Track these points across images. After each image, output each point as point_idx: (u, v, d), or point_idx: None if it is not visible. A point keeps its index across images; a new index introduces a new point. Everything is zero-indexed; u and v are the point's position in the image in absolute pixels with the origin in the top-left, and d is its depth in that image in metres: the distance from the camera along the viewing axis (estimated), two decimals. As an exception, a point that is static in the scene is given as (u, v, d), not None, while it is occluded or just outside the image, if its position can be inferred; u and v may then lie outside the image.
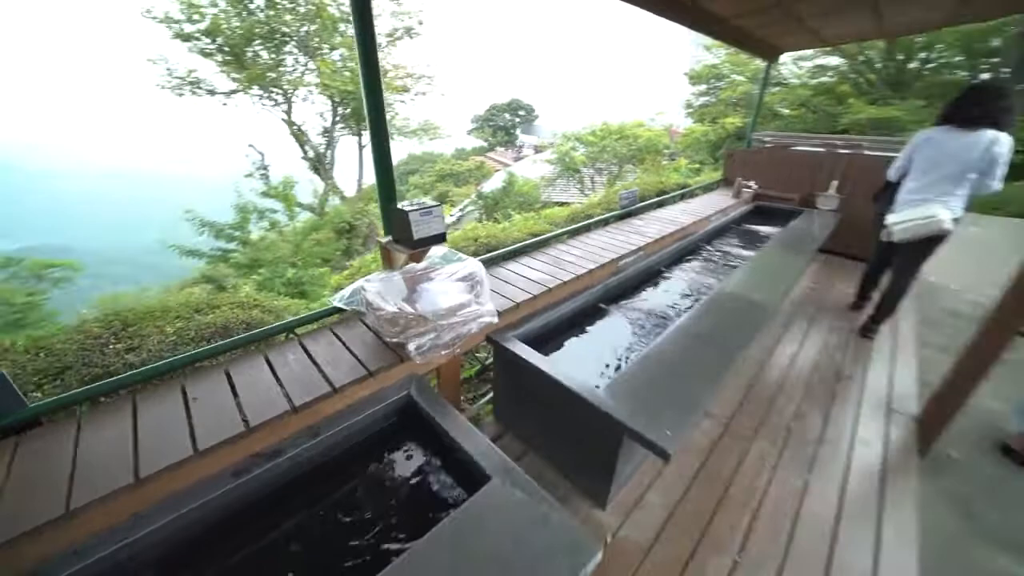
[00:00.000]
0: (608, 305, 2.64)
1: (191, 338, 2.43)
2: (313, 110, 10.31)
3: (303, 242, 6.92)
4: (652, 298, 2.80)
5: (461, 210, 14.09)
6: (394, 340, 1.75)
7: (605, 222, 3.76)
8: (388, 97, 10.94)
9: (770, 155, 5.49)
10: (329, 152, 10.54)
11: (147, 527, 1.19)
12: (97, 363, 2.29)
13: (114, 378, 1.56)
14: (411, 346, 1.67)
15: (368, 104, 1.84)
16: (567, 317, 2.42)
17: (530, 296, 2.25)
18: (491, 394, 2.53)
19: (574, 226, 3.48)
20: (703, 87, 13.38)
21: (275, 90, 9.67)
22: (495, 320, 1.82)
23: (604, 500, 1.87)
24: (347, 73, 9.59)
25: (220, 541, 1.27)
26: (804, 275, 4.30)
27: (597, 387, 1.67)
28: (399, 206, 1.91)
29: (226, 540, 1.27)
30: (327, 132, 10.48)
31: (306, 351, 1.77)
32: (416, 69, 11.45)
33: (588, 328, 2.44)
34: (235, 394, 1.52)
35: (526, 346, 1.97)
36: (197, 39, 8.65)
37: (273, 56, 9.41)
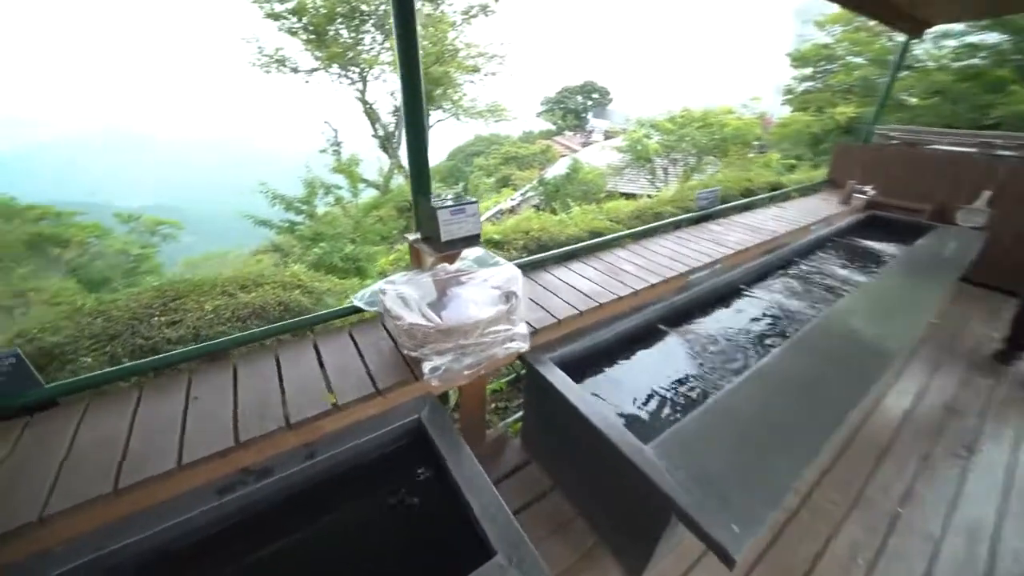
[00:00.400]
0: (670, 328, 2.23)
1: (227, 317, 2.40)
2: (385, 88, 10.52)
3: (364, 218, 7.07)
4: (727, 325, 2.34)
5: (522, 195, 13.79)
6: (411, 353, 1.53)
7: (676, 224, 3.26)
8: (457, 77, 10.82)
9: (896, 154, 4.50)
10: (397, 131, 10.72)
11: (122, 540, 1.09)
12: (142, 334, 2.32)
13: (122, 366, 1.51)
14: (426, 367, 1.44)
15: (404, 86, 1.59)
16: (617, 338, 2.06)
17: (575, 313, 1.92)
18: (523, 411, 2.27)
19: (640, 228, 3.04)
20: (808, 70, 11.59)
21: (352, 68, 9.94)
22: (525, 347, 1.53)
23: (639, 572, 1.54)
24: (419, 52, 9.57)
25: (197, 562, 1.15)
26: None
27: (644, 443, 1.32)
28: (431, 201, 1.66)
29: (204, 562, 1.15)
30: (397, 111, 10.63)
31: (318, 354, 1.62)
32: (489, 48, 11.18)
33: (642, 355, 2.06)
34: (235, 397, 1.40)
35: (563, 375, 1.66)
36: (285, 18, 9.07)
37: (352, 35, 9.64)
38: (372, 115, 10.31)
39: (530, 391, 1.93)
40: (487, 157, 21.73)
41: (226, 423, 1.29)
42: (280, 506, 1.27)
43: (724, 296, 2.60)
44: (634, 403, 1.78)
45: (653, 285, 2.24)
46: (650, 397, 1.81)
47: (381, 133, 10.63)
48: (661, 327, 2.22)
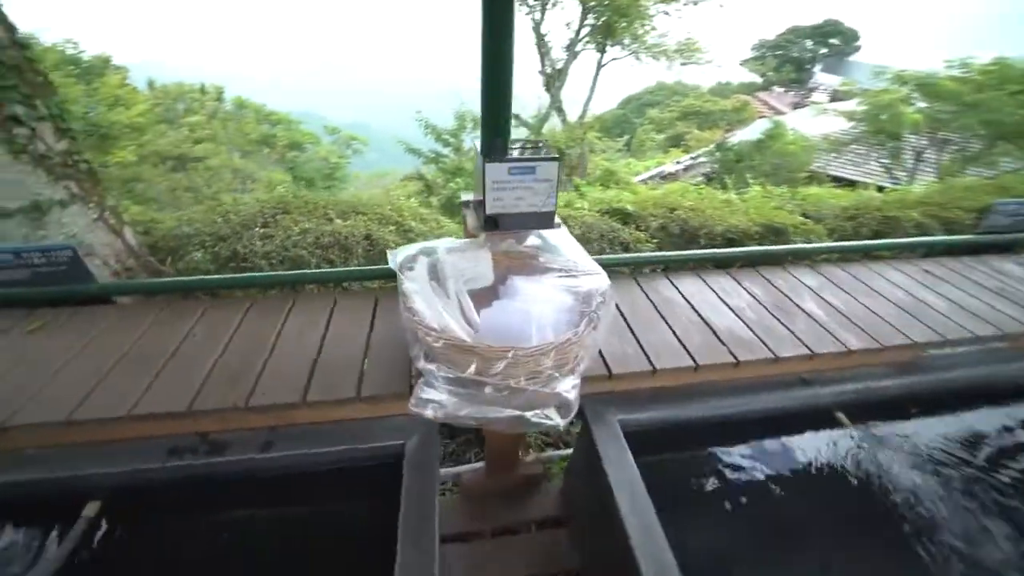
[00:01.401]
0: (855, 431, 1.30)
1: (309, 242, 2.34)
2: (562, 18, 9.52)
3: (504, 161, 6.77)
4: (983, 465, 1.27)
5: (692, 159, 11.62)
6: (416, 365, 1.10)
7: (926, 247, 1.99)
8: (649, 5, 9.06)
9: None
10: (565, 68, 9.79)
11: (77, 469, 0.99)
12: (243, 241, 2.41)
13: (151, 281, 1.45)
14: (421, 390, 0.98)
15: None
16: (745, 421, 1.27)
17: (688, 366, 1.20)
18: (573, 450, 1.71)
19: (855, 244, 1.92)
20: None
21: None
22: (560, 422, 0.93)
23: None
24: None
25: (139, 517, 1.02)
26: None
27: None
28: (490, 147, 1.09)
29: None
30: (570, 45, 9.62)
31: (328, 320, 1.32)
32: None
33: (780, 466, 1.24)
34: (225, 347, 1.21)
35: (627, 454, 1.03)
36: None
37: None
38: (543, 48, 9.57)
39: (581, 447, 1.36)
40: (663, 109, 18.94)
41: (194, 381, 1.10)
42: (226, 486, 1.06)
43: (991, 398, 1.44)
44: (722, 555, 1.05)
45: (849, 351, 1.31)
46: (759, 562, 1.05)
47: (549, 70, 9.88)
48: (839, 418, 1.31)
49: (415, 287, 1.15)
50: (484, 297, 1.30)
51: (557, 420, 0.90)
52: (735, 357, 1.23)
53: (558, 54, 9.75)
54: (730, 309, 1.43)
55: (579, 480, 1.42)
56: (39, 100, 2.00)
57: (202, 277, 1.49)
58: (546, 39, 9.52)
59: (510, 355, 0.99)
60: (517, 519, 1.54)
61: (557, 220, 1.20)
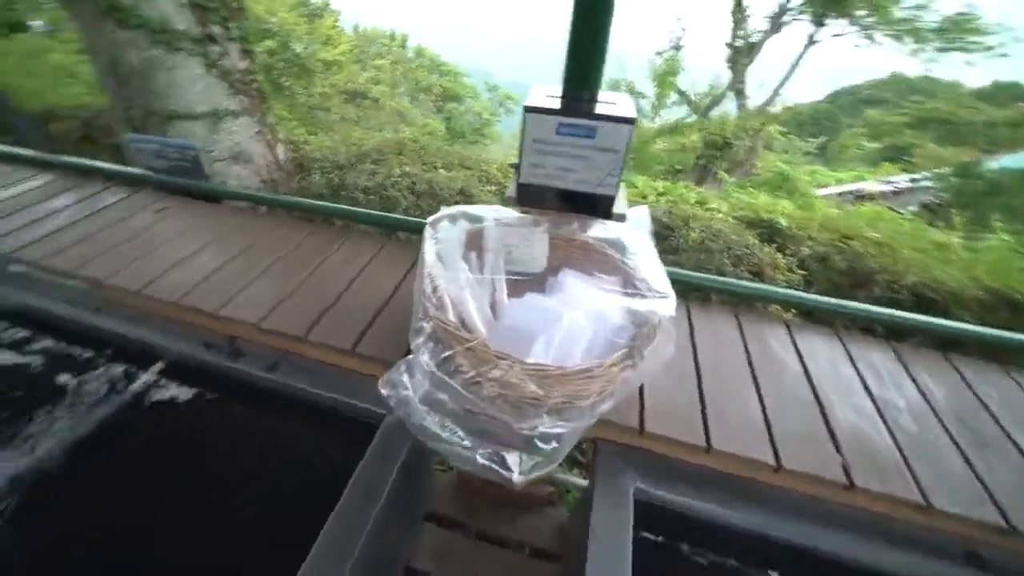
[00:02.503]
0: None
1: (404, 185, 2.39)
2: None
3: (651, 141, 6.07)
4: None
5: (912, 180, 8.82)
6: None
7: None
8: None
9: None
10: (761, 42, 8.06)
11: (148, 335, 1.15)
12: (353, 171, 2.58)
13: (253, 193, 1.58)
14: (398, 375, 0.84)
15: None
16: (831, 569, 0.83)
17: (764, 462, 0.82)
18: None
19: None
20: None
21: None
22: (527, 476, 0.69)
23: None
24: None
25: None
26: None
27: None
28: (544, 97, 0.81)
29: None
30: (776, 16, 7.82)
31: (366, 264, 1.27)
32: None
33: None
34: (270, 266, 1.25)
35: (627, 533, 0.76)
36: None
37: None
38: (739, 15, 7.99)
39: (583, 501, 1.08)
40: (889, 111, 14.62)
41: (231, 290, 1.16)
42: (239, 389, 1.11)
43: None
44: None
45: None
46: None
47: (740, 43, 8.29)
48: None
49: (442, 249, 0.99)
50: (524, 286, 1.08)
51: (511, 473, 0.67)
52: (849, 478, 0.79)
53: (756, 23, 8.09)
54: (873, 404, 0.93)
55: (574, 528, 1.17)
56: (232, 23, 2.34)
57: (274, 196, 1.60)
58: (745, 3, 7.95)
59: (505, 364, 0.79)
60: (505, 533, 1.36)
61: (623, 211, 0.88)
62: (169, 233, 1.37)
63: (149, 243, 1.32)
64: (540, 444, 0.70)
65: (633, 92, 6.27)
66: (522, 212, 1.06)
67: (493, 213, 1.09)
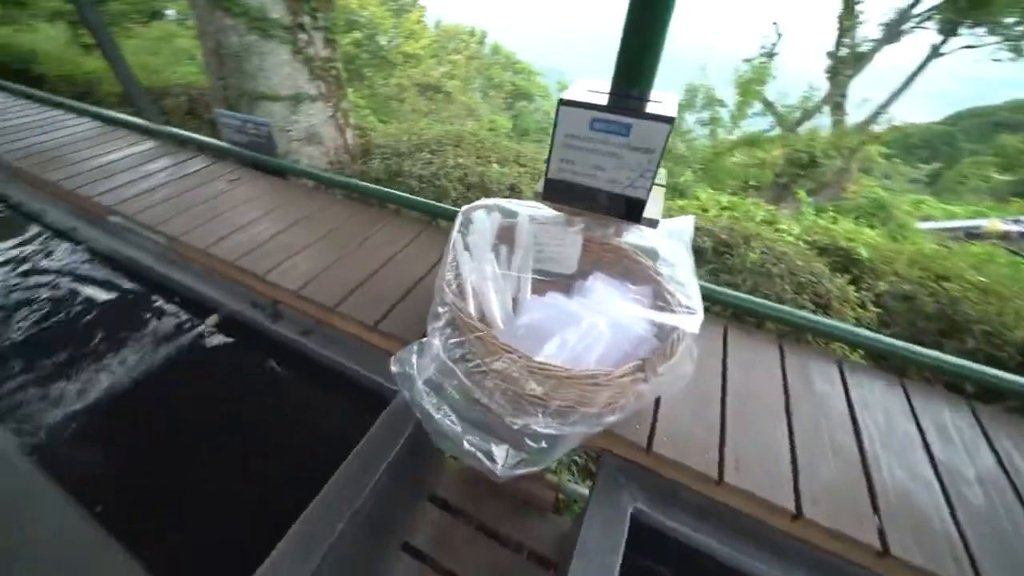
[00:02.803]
0: None
1: (455, 176, 2.45)
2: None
3: (726, 154, 5.69)
4: None
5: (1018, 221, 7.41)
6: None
7: None
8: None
9: None
10: (871, 52, 7.16)
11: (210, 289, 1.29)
12: (411, 159, 2.69)
13: (314, 171, 1.68)
14: (409, 356, 0.86)
15: None
16: None
17: (784, 508, 0.73)
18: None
19: None
20: None
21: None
22: (512, 472, 0.67)
23: None
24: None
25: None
26: None
27: None
28: (591, 91, 0.77)
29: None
30: (894, 23, 6.90)
31: (403, 247, 1.32)
32: None
33: None
34: (320, 239, 1.33)
35: (618, 554, 0.72)
36: None
37: None
38: (848, 19, 7.15)
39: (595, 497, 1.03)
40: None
41: (278, 257, 1.25)
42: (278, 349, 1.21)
43: None
44: None
45: None
46: None
47: (843, 52, 7.45)
48: None
49: (472, 240, 0.99)
50: (549, 284, 1.06)
51: (495, 464, 0.65)
52: (884, 544, 0.68)
53: (868, 31, 7.23)
54: (933, 467, 0.79)
55: (569, 540, 1.12)
56: (320, 13, 2.52)
57: (328, 175, 1.69)
58: (857, 8, 7.13)
59: (510, 358, 0.78)
60: (506, 531, 1.35)
61: (656, 215, 0.82)
62: (237, 200, 1.51)
63: (220, 208, 1.46)
64: (530, 442, 0.68)
65: (711, 100, 5.89)
66: (556, 210, 1.04)
67: (528, 209, 1.08)
